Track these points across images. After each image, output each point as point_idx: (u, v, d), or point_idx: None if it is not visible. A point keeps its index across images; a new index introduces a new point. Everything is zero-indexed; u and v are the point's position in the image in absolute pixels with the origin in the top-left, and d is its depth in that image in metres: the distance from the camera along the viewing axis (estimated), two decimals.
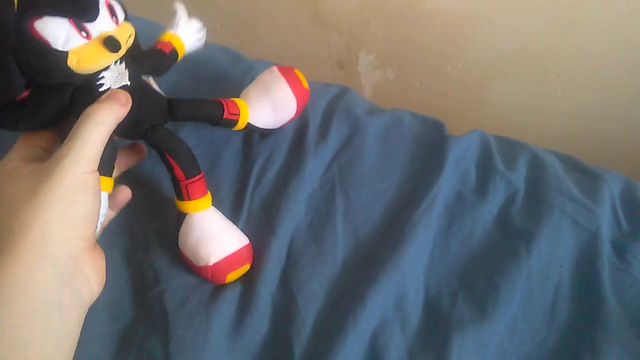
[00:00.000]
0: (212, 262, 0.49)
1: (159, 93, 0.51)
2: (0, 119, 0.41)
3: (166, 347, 0.47)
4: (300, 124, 0.63)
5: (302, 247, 0.54)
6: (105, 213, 0.45)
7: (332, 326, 0.48)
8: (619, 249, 0.53)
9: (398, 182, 0.59)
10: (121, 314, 0.50)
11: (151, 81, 0.52)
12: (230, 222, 0.53)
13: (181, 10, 0.53)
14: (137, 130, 0.48)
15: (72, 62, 0.39)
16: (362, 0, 0.89)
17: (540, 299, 0.50)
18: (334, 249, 0.54)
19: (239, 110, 0.54)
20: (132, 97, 0.43)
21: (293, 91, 0.56)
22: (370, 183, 0.58)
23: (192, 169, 0.49)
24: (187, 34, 0.54)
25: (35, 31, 0.37)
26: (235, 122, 0.54)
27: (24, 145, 0.42)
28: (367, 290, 0.49)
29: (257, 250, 0.53)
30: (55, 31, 0.37)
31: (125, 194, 0.49)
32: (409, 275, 0.51)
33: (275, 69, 0.57)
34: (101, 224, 0.44)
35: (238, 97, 0.57)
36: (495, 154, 0.61)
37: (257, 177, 0.59)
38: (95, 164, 0.39)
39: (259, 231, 0.55)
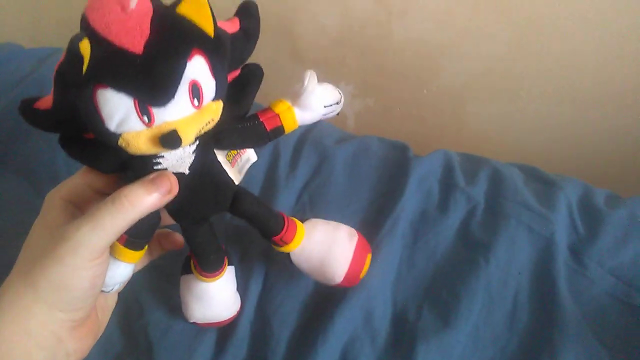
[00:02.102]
0: (191, 321, 0.51)
1: (226, 182, 0.43)
2: (64, 146, 0.38)
3: None
4: (272, 158, 0.67)
5: (277, 274, 0.57)
6: (125, 281, 0.44)
7: (304, 345, 0.51)
8: (576, 252, 0.55)
9: (365, 205, 0.62)
10: (111, 347, 0.54)
11: (242, 156, 0.45)
12: (233, 289, 0.53)
13: (310, 81, 0.41)
14: (178, 217, 0.44)
15: (122, 144, 0.34)
16: (335, 37, 0.94)
17: (500, 306, 0.52)
18: None
19: (292, 239, 0.47)
20: (186, 185, 0.39)
21: (349, 271, 0.48)
22: (339, 207, 0.62)
23: (211, 269, 0.48)
24: (308, 110, 0.42)
25: (96, 100, 0.32)
26: (279, 246, 0.47)
27: (80, 180, 0.41)
28: (335, 309, 0.52)
29: (238, 281, 0.55)
30: (113, 109, 0.32)
31: (176, 245, 0.50)
32: (376, 291, 0.54)
33: (357, 237, 0.51)
34: (121, 284, 0.44)
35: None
36: (456, 171, 0.64)
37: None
38: (102, 253, 0.36)
39: (238, 263, 0.58)
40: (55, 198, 0.39)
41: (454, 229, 0.58)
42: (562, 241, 0.55)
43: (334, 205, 0.62)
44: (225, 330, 0.53)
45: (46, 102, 0.35)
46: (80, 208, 0.40)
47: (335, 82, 1.00)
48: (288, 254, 0.48)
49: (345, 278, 0.48)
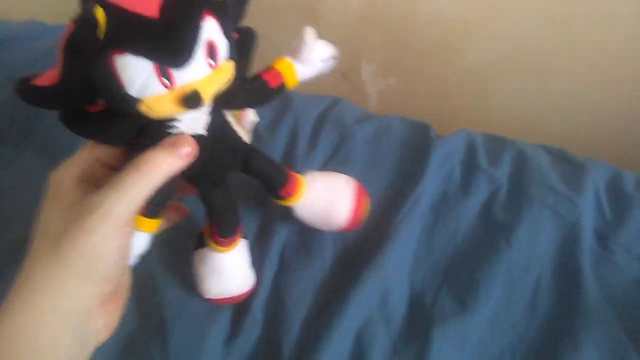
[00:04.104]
0: (206, 296, 0.51)
1: (238, 141, 0.45)
2: (68, 122, 0.37)
3: (165, 353, 0.50)
4: (290, 136, 0.66)
5: (292, 253, 0.57)
6: (142, 251, 0.43)
7: (318, 326, 0.50)
8: (602, 237, 0.53)
9: (384, 185, 0.61)
10: (124, 324, 0.53)
11: (245, 116, 0.47)
12: (247, 262, 0.53)
13: (309, 37, 0.43)
14: (196, 180, 0.44)
15: (143, 108, 0.34)
16: (358, 14, 0.92)
17: (521, 291, 0.50)
18: (323, 253, 0.56)
19: (296, 191, 0.50)
20: (203, 147, 0.39)
21: (352, 214, 0.52)
22: None
23: (228, 231, 0.48)
24: (308, 64, 0.44)
25: (114, 67, 0.32)
26: (284, 199, 0.50)
27: (87, 156, 0.39)
28: (351, 291, 0.51)
29: (252, 258, 0.55)
30: (133, 74, 0.32)
31: (181, 215, 0.48)
32: (393, 274, 0.53)
33: (355, 184, 0.54)
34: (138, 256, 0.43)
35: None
36: (479, 152, 0.62)
37: (250, 187, 0.62)
38: (129, 222, 0.35)
39: (254, 241, 0.58)
40: (65, 177, 0.38)
41: (475, 211, 0.57)
42: (588, 226, 0.53)
43: None
44: (239, 310, 0.53)
45: (48, 78, 0.34)
46: (94, 184, 0.38)
47: (357, 61, 0.99)
48: (292, 207, 0.51)
49: (348, 222, 0.52)
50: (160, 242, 0.57)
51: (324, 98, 0.74)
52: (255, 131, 0.68)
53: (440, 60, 0.93)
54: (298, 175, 0.51)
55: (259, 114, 0.49)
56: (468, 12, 0.84)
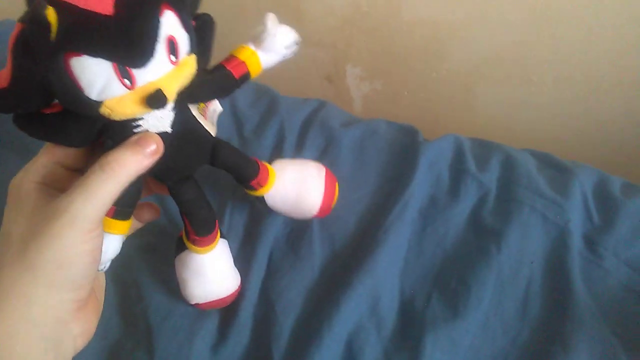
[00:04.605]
0: (192, 302, 0.49)
1: (205, 135, 0.43)
2: (21, 124, 0.35)
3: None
4: (277, 139, 0.65)
5: (281, 258, 0.56)
6: (115, 254, 0.42)
7: (309, 332, 0.49)
8: (591, 242, 0.53)
9: (372, 190, 0.60)
10: (109, 331, 0.52)
11: (209, 108, 0.46)
12: (229, 263, 0.52)
13: (271, 23, 0.42)
14: (165, 178, 0.43)
15: (105, 111, 0.33)
16: (342, 17, 0.92)
17: (511, 295, 0.50)
18: (312, 257, 0.55)
19: (267, 181, 0.50)
20: (169, 143, 0.38)
21: (323, 202, 0.52)
22: (345, 192, 0.59)
23: (204, 230, 0.47)
24: (272, 52, 0.42)
25: (70, 70, 0.30)
26: (255, 190, 0.50)
27: (47, 159, 0.38)
28: (341, 296, 0.50)
29: (239, 262, 0.54)
30: (92, 77, 0.30)
31: (153, 214, 0.47)
32: (383, 279, 0.52)
33: (325, 171, 0.54)
34: (110, 260, 0.42)
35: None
36: (467, 156, 0.62)
37: (235, 192, 0.61)
38: (97, 224, 0.34)
39: (239, 248, 0.57)
40: (24, 183, 0.36)
41: (465, 216, 0.57)
42: (577, 230, 0.54)
43: (340, 190, 0.60)
44: (226, 315, 0.52)
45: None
46: (57, 188, 0.37)
47: (343, 64, 0.99)
48: (263, 198, 0.51)
49: (320, 209, 0.52)
50: (144, 247, 0.56)
51: (309, 101, 0.73)
52: (241, 135, 0.67)
53: (425, 64, 0.93)
54: (268, 165, 0.50)
55: (222, 103, 0.48)
56: (452, 16, 0.85)
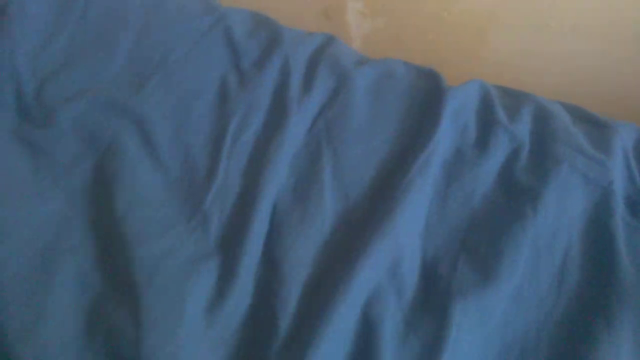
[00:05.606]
0: None
1: None
2: None
3: (136, 322, 0.42)
4: (280, 74, 0.58)
5: (286, 212, 0.50)
6: None
7: (320, 297, 0.44)
8: (634, 206, 0.49)
9: (391, 138, 0.54)
10: (87, 285, 0.45)
11: None
12: None
13: None
14: None
15: None
16: None
17: (548, 263, 0.46)
18: (322, 212, 0.50)
19: None
20: None
21: None
22: (361, 140, 0.53)
23: None
24: None
25: None
26: None
27: None
28: (358, 258, 0.45)
29: (236, 218, 0.49)
30: None
31: None
32: (404, 240, 0.47)
33: None
34: None
35: None
36: (497, 106, 0.56)
37: (233, 135, 0.54)
38: None
39: (237, 198, 0.50)
40: None
41: (494, 173, 0.52)
42: (620, 192, 0.49)
43: (355, 137, 0.54)
44: (224, 272, 0.46)
45: None
46: None
47: None
48: None
49: None
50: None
51: (314, 35, 0.65)
52: (238, 67, 0.59)
53: (436, 2, 0.85)
54: None
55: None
56: None
